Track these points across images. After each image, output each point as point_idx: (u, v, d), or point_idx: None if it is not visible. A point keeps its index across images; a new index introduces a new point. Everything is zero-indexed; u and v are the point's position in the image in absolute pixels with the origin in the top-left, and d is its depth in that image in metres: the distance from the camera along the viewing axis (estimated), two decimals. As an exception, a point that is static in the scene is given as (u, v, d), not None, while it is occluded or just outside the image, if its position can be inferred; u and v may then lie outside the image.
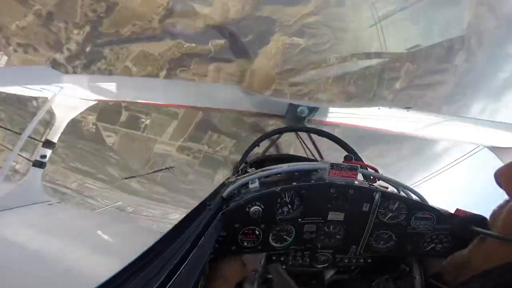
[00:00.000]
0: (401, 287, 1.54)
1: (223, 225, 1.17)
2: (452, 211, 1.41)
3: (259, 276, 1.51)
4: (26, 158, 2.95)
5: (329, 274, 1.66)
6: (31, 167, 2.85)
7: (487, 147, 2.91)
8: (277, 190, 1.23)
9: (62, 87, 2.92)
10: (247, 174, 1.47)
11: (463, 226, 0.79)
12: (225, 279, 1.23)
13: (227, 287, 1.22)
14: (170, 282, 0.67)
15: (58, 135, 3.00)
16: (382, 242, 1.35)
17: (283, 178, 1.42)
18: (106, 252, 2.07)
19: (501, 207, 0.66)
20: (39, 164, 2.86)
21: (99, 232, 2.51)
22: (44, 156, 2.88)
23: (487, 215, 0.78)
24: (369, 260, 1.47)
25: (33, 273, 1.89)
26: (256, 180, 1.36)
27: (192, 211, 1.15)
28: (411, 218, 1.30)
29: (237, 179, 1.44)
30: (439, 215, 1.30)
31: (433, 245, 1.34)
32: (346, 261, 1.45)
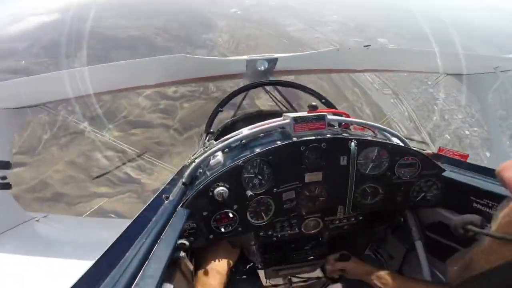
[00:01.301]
0: (399, 238, 1.49)
1: (188, 216, 1.01)
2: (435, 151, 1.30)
3: (259, 246, 1.39)
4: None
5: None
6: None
7: (450, 75, 2.95)
8: (240, 163, 1.07)
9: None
10: (205, 149, 1.27)
11: (463, 226, 0.76)
12: (216, 271, 1.10)
13: (220, 279, 1.08)
14: None
15: (11, 153, 2.72)
16: (369, 197, 1.24)
17: (249, 143, 1.24)
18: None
19: (501, 207, 0.64)
20: (3, 186, 2.69)
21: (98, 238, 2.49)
22: (4, 177, 2.69)
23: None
24: (361, 218, 1.36)
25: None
26: (219, 153, 1.18)
27: (148, 205, 0.99)
28: (394, 166, 1.18)
29: (195, 158, 1.23)
30: (424, 159, 1.18)
31: (422, 194, 1.23)
32: (337, 222, 1.33)
